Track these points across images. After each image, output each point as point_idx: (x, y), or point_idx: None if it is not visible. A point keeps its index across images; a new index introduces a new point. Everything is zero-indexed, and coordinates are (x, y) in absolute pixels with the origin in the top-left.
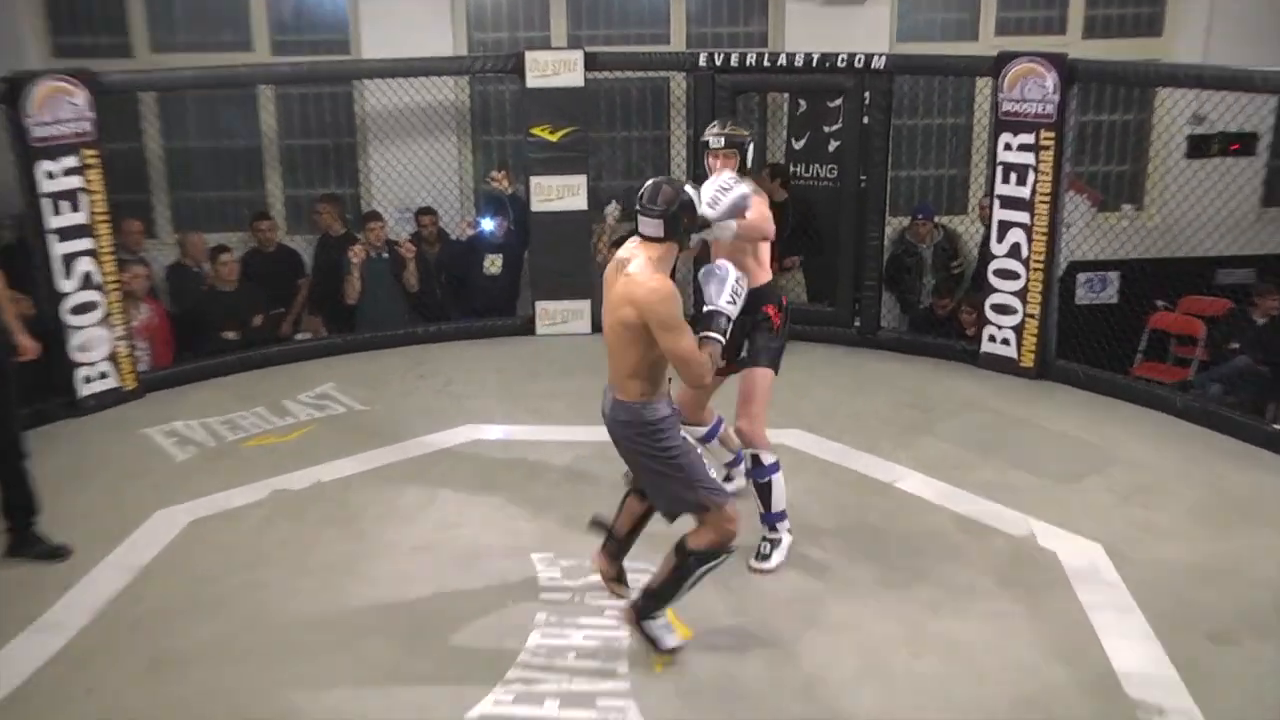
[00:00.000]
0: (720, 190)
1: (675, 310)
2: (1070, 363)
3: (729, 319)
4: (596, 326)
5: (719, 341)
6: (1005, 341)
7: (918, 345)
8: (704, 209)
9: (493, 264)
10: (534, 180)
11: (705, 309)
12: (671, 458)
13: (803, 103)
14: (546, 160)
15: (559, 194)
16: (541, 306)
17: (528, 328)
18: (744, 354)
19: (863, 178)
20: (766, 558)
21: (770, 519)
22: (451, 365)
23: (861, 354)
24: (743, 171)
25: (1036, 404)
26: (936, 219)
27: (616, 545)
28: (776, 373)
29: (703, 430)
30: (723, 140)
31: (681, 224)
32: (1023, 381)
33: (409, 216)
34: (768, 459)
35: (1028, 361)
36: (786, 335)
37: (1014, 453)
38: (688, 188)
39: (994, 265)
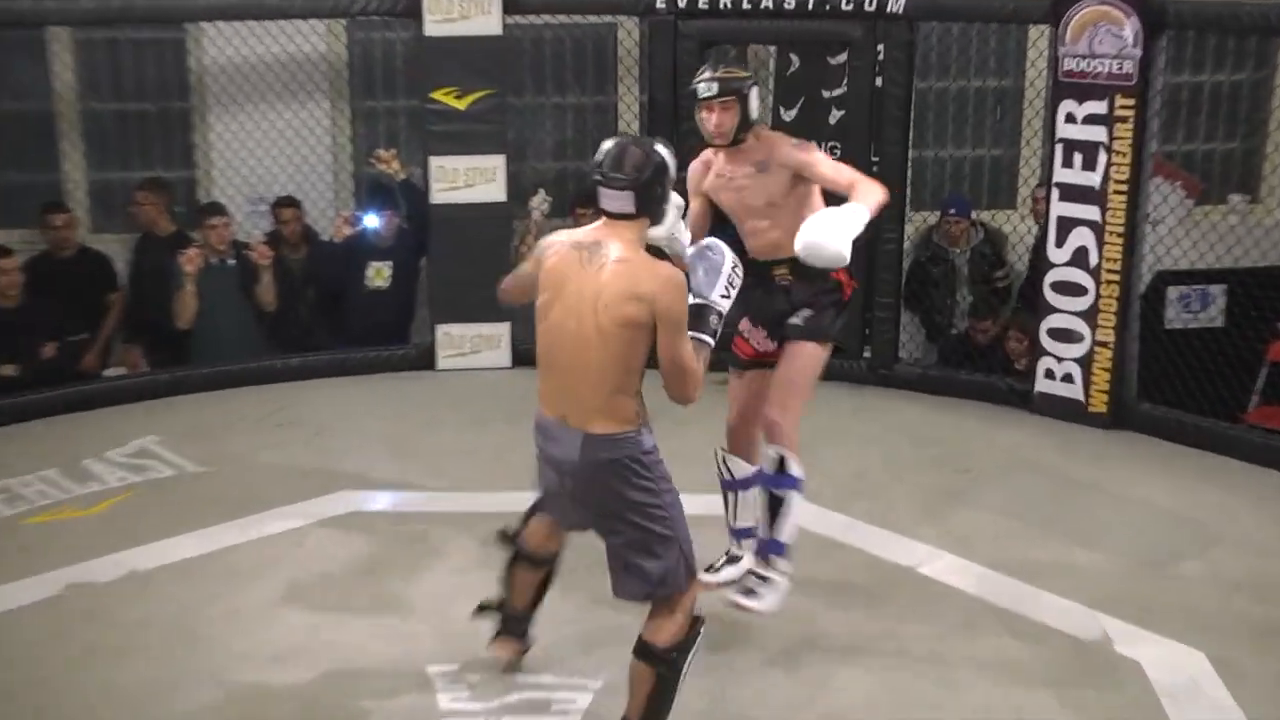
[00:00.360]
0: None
1: (687, 307)
2: (1157, 407)
3: (721, 317)
4: (522, 358)
5: (710, 346)
6: (1068, 378)
7: (949, 383)
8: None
9: (378, 274)
10: (434, 162)
11: (693, 302)
12: (664, 506)
13: (795, 59)
14: (452, 135)
15: (468, 180)
16: (444, 332)
17: (425, 360)
18: (792, 319)
19: (875, 160)
20: (753, 594)
21: (771, 549)
22: (322, 411)
23: (873, 394)
24: (746, 125)
25: (1111, 462)
26: (974, 215)
27: (519, 623)
28: (829, 356)
29: (749, 470)
30: (716, 86)
31: (656, 194)
32: (1092, 432)
33: (263, 210)
34: (795, 469)
35: (1099, 405)
36: (846, 306)
37: (1081, 527)
38: (659, 147)
39: (1052, 277)
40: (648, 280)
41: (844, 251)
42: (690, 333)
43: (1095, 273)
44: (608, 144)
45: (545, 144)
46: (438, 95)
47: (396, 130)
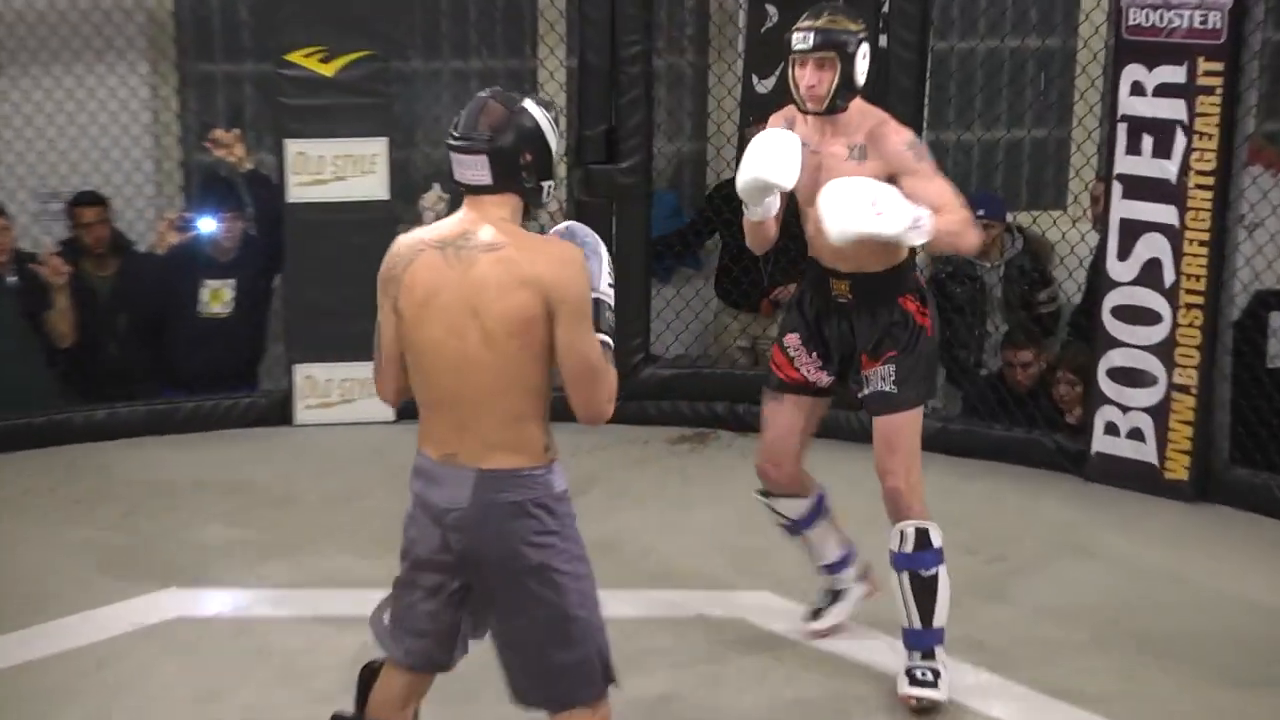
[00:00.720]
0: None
1: (589, 288)
2: (1257, 473)
3: (612, 311)
4: (408, 410)
5: (610, 349)
6: (1136, 435)
7: (978, 441)
8: (871, 222)
9: (216, 297)
10: (292, 147)
11: None
12: (576, 575)
13: (771, 11)
14: (316, 111)
15: (338, 171)
16: (305, 374)
17: (279, 412)
18: (871, 385)
19: None
20: (927, 684)
21: (928, 640)
22: (141, 479)
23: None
24: (849, 91)
25: (1195, 546)
26: (1011, 219)
27: None
28: (928, 406)
29: (804, 504)
30: (813, 38)
31: (519, 164)
32: (1170, 506)
33: (57, 210)
34: (937, 539)
35: (1177, 471)
36: (937, 345)
37: (1154, 634)
38: (529, 104)
39: (1114, 299)
40: (533, 260)
41: (856, 227)
42: None
43: (1172, 294)
44: (469, 105)
45: (442, 123)
46: (296, 57)
47: (240, 104)
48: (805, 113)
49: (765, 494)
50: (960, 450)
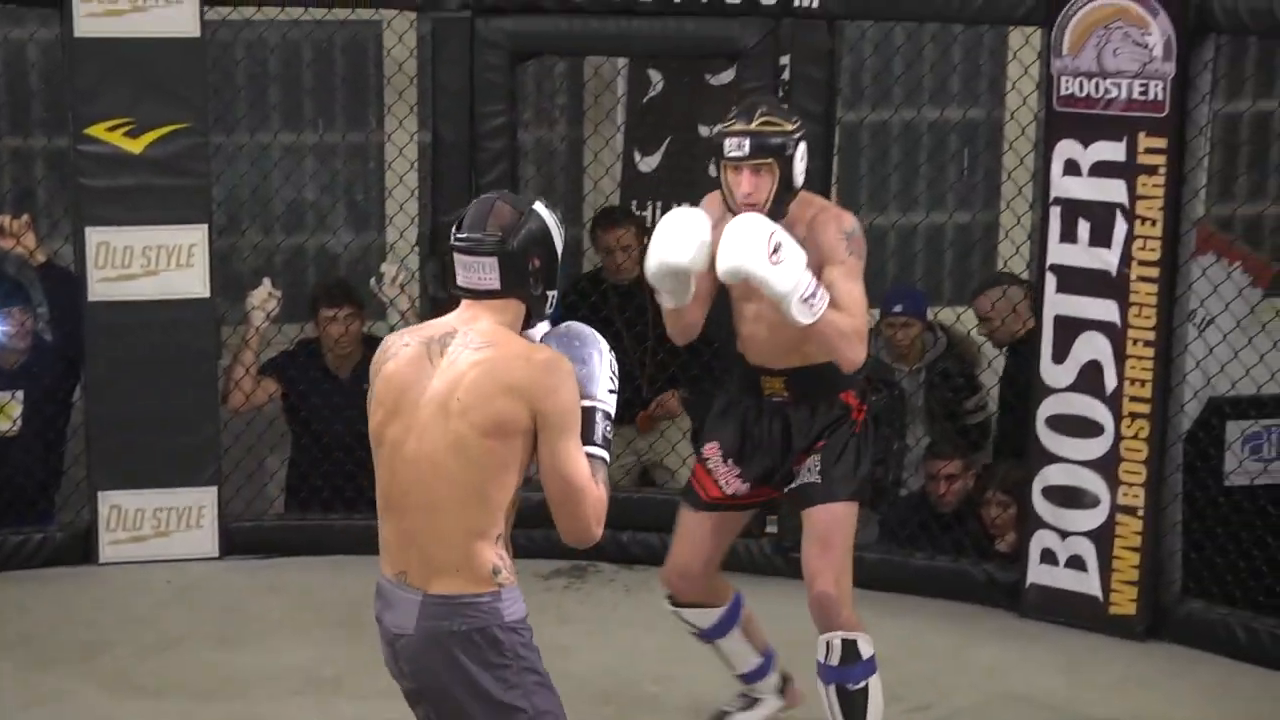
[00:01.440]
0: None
1: (578, 401)
2: (1213, 606)
3: (610, 421)
4: (237, 542)
5: (605, 463)
6: (1077, 563)
7: (897, 571)
8: (777, 285)
9: (2, 412)
10: (93, 236)
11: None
12: (535, 705)
13: (655, 79)
14: (122, 193)
15: (148, 264)
16: (111, 503)
17: (81, 548)
18: (800, 478)
19: None
20: None
21: None
22: None
23: (781, 589)
24: (787, 195)
25: (1148, 691)
26: (933, 316)
27: None
28: (863, 507)
29: (716, 613)
30: (748, 145)
31: (528, 269)
32: (1116, 645)
33: None
34: (866, 649)
35: (1124, 605)
36: (874, 447)
37: None
38: (539, 207)
39: (1050, 408)
40: (521, 367)
41: (747, 266)
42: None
43: (1114, 401)
44: (472, 205)
45: (273, 207)
46: (97, 131)
47: (30, 185)
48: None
49: (672, 602)
50: (877, 583)
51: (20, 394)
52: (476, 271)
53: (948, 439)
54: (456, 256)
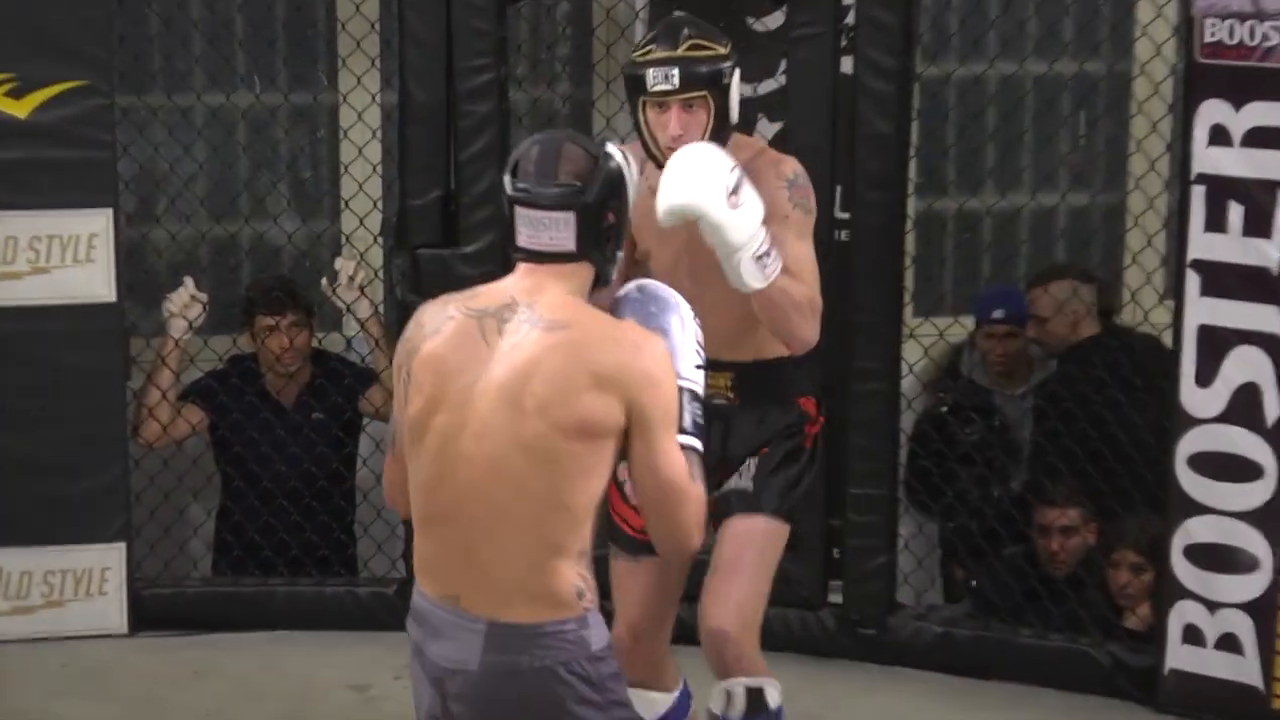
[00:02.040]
0: (718, 174)
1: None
2: None
3: (699, 403)
4: (149, 614)
5: (700, 453)
6: (1230, 643)
7: (998, 653)
8: (727, 230)
9: None
10: None
11: None
12: None
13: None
14: (2, 169)
15: (36, 260)
16: None
17: None
18: (726, 485)
19: (842, 216)
20: None
21: None
22: None
23: (846, 675)
24: (723, 133)
25: None
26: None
27: None
28: (794, 529)
29: (665, 702)
30: (677, 74)
31: (604, 226)
32: None
33: None
34: (774, 697)
35: None
36: (818, 464)
37: None
38: (610, 147)
39: (1194, 444)
40: (612, 351)
41: (699, 204)
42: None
43: (1276, 436)
44: (531, 145)
45: (196, 187)
46: None
47: None
48: (663, 168)
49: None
50: (971, 666)
51: None
52: (547, 230)
53: (1063, 482)
54: (518, 211)
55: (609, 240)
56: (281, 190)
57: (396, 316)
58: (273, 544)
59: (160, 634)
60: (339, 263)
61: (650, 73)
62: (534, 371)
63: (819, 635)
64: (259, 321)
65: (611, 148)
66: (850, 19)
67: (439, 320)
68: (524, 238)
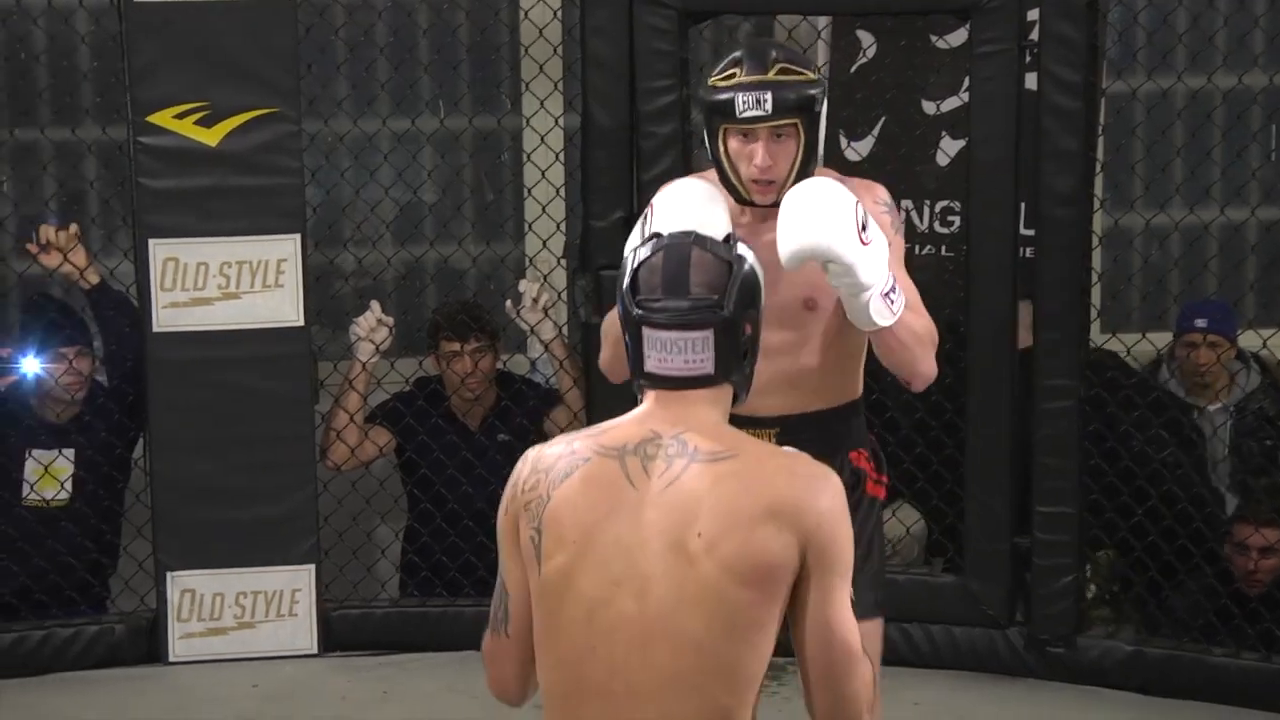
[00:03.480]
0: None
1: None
2: None
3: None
4: (340, 635)
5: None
6: None
7: (1190, 672)
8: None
9: (47, 477)
10: (158, 251)
11: None
12: None
13: (866, 43)
14: (193, 197)
15: (227, 285)
16: (182, 587)
17: (145, 644)
18: None
19: (1027, 232)
20: None
21: None
22: None
23: (1035, 694)
24: (809, 167)
25: None
26: (1241, 337)
27: None
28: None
29: None
30: (770, 99)
31: (742, 339)
32: None
33: None
34: None
35: None
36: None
37: None
38: (742, 249)
39: None
40: (785, 482)
41: (831, 246)
42: None
43: None
44: (645, 248)
45: (382, 212)
46: (162, 119)
47: (80, 187)
48: (744, 203)
49: None
50: (1161, 685)
51: (70, 452)
52: (681, 353)
53: (1263, 499)
54: (645, 333)
55: (747, 355)
56: (466, 214)
57: (580, 338)
58: (459, 565)
59: (348, 655)
60: (523, 285)
61: (740, 97)
62: (698, 509)
63: (1006, 655)
64: (444, 346)
65: (743, 248)
66: (1034, 35)
67: (568, 463)
68: (653, 362)
